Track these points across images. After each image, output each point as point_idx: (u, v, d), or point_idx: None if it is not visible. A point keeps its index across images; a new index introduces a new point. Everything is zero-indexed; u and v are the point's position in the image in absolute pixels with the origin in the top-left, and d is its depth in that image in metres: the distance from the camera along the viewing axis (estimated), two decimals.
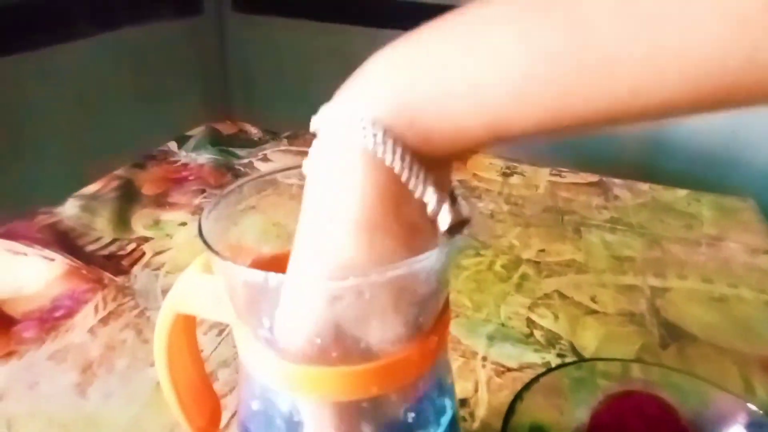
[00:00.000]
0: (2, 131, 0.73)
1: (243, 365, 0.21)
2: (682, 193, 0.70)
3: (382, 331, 0.18)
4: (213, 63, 1.16)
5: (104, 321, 0.44)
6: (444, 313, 0.20)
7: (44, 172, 0.80)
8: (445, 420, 0.22)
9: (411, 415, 0.20)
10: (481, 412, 0.37)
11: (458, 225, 0.18)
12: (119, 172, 0.67)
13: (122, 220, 0.57)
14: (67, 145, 0.85)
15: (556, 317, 0.46)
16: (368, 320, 0.17)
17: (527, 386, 0.31)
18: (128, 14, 0.92)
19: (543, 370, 0.32)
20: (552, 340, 0.43)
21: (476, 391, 0.39)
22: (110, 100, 0.92)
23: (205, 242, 0.19)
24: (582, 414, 0.33)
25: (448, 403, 0.23)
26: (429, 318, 0.19)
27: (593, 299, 0.49)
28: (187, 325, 0.24)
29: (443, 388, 0.22)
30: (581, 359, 0.33)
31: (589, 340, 0.44)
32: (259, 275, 0.17)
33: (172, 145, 0.76)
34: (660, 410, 0.32)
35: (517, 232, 0.60)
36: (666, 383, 0.32)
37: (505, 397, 0.39)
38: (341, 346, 0.17)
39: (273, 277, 0.17)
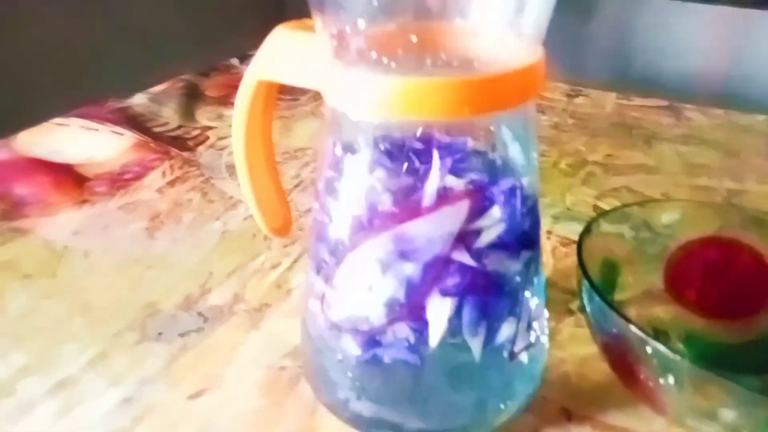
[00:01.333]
0: (66, 60, 0.74)
1: (327, 118, 0.21)
2: (761, 117, 0.66)
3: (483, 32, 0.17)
4: None
5: (171, 183, 0.45)
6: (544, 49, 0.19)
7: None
8: (528, 202, 0.22)
9: (498, 161, 0.20)
10: (546, 272, 0.36)
11: None
12: (184, 77, 0.68)
13: (187, 112, 0.58)
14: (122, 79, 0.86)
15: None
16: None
17: (603, 214, 0.30)
18: None
19: None
20: (624, 217, 0.42)
21: None
22: (168, 30, 0.92)
23: None
24: (659, 256, 0.31)
25: (532, 188, 0.22)
26: (533, 31, 0.18)
27: (665, 195, 0.47)
28: (267, 100, 0.24)
29: (525, 163, 0.21)
30: (659, 199, 0.32)
31: (665, 219, 0.42)
32: None
33: (234, 62, 0.76)
34: (748, 257, 0.30)
35: (583, 141, 0.57)
36: (754, 228, 0.30)
37: (572, 262, 0.37)
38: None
39: None
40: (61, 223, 0.40)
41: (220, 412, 0.26)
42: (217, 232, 0.40)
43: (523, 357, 0.24)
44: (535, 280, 0.23)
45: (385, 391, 0.24)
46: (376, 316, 0.22)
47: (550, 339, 0.30)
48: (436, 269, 0.21)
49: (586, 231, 0.28)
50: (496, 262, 0.21)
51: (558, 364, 0.29)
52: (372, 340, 0.22)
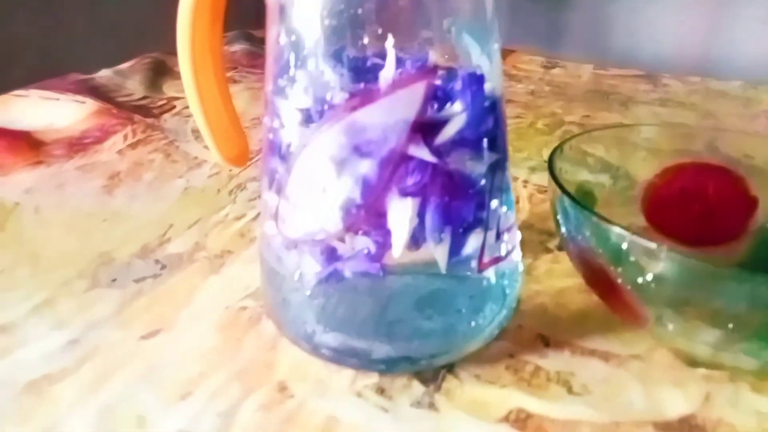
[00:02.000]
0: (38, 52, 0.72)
1: (270, 10, 0.20)
2: (736, 83, 0.66)
3: None
4: None
5: (133, 146, 0.43)
6: None
7: None
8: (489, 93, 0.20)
9: (454, 48, 0.18)
10: (522, 216, 0.35)
11: None
12: (152, 54, 0.66)
13: (154, 84, 0.57)
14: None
15: (608, 150, 0.43)
16: None
17: (577, 135, 0.29)
18: None
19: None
20: (605, 167, 0.40)
21: (517, 203, 0.37)
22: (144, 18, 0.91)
23: None
24: (635, 184, 0.30)
25: (494, 86, 0.20)
26: None
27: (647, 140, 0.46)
28: (214, 14, 0.23)
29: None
30: (635, 124, 0.31)
31: (644, 169, 0.41)
32: None
33: None
34: (725, 178, 0.29)
35: (559, 105, 0.57)
36: (733, 150, 0.29)
37: (548, 207, 0.36)
38: None
39: None
40: (14, 182, 0.38)
41: (174, 350, 0.25)
42: (180, 188, 0.38)
43: (492, 272, 0.22)
44: (503, 187, 0.22)
45: (349, 314, 0.22)
46: (333, 222, 0.20)
47: (527, 274, 0.29)
48: (394, 165, 0.19)
49: (558, 148, 0.27)
50: (459, 160, 0.20)
51: (534, 296, 0.28)
52: (331, 253, 0.21)
